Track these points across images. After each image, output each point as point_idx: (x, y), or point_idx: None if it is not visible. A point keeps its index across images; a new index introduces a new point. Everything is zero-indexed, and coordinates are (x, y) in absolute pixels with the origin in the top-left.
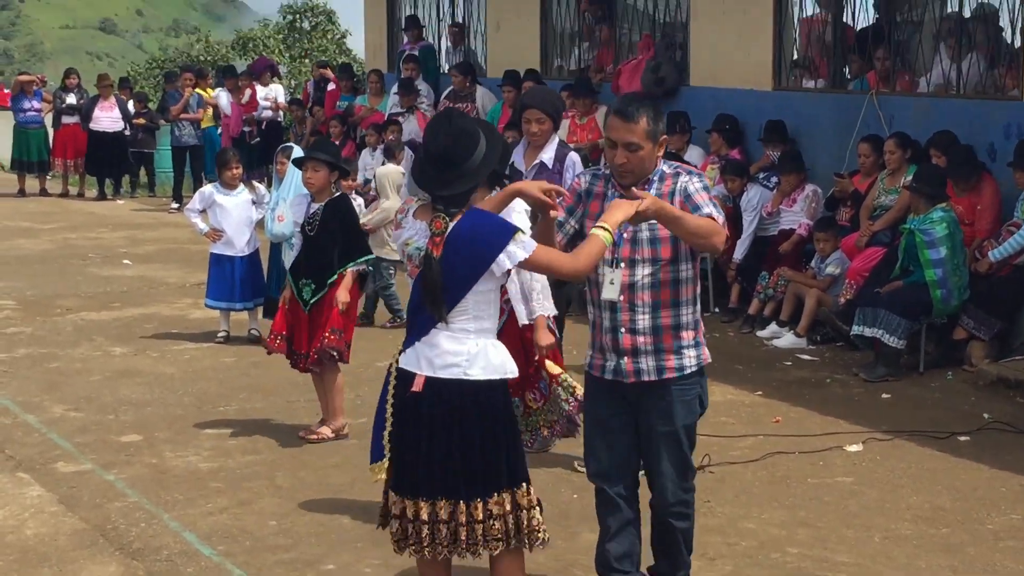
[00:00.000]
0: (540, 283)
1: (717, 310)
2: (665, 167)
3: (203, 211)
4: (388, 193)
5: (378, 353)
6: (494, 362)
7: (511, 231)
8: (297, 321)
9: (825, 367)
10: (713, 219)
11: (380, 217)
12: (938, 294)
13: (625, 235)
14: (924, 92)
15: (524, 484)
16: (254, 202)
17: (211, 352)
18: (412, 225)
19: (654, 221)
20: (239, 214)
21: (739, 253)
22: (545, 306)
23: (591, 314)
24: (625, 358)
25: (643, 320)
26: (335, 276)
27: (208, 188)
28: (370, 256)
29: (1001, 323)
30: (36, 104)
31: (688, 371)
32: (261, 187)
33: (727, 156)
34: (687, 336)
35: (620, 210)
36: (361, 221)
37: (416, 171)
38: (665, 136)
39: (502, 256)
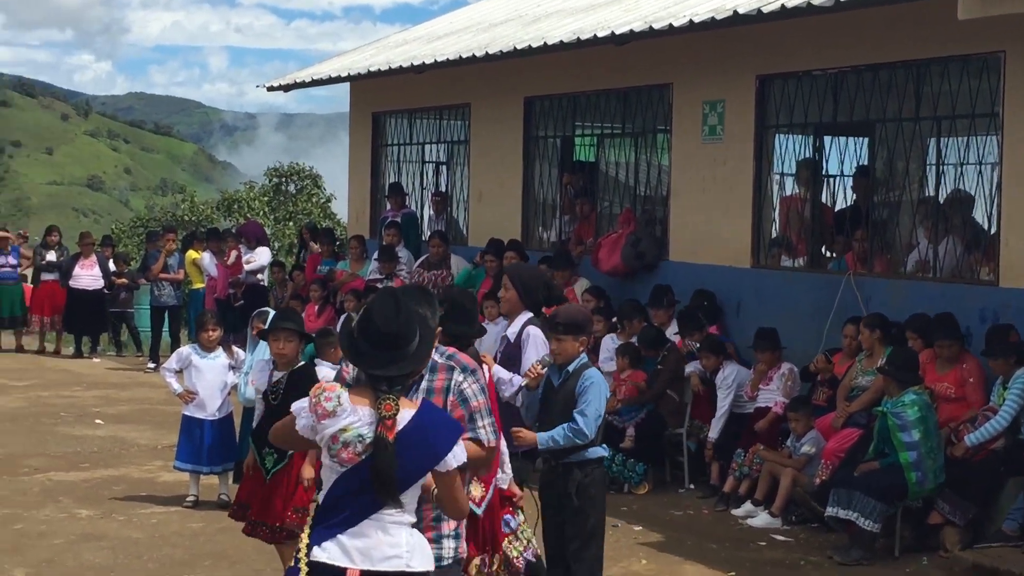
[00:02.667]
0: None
1: (692, 487)
2: (437, 356)
3: (179, 371)
4: None
5: None
6: (428, 553)
7: (459, 431)
8: (258, 488)
9: (799, 548)
10: (479, 444)
11: None
12: (913, 477)
13: None
14: (901, 274)
15: None
16: (232, 367)
17: (179, 516)
18: (352, 411)
19: None
20: (214, 377)
21: (714, 431)
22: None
23: None
24: None
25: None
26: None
27: (186, 349)
28: None
29: (976, 508)
30: (11, 260)
31: (445, 562)
32: (241, 352)
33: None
34: (447, 527)
35: None
36: None
37: (352, 350)
38: (440, 329)
39: (450, 456)
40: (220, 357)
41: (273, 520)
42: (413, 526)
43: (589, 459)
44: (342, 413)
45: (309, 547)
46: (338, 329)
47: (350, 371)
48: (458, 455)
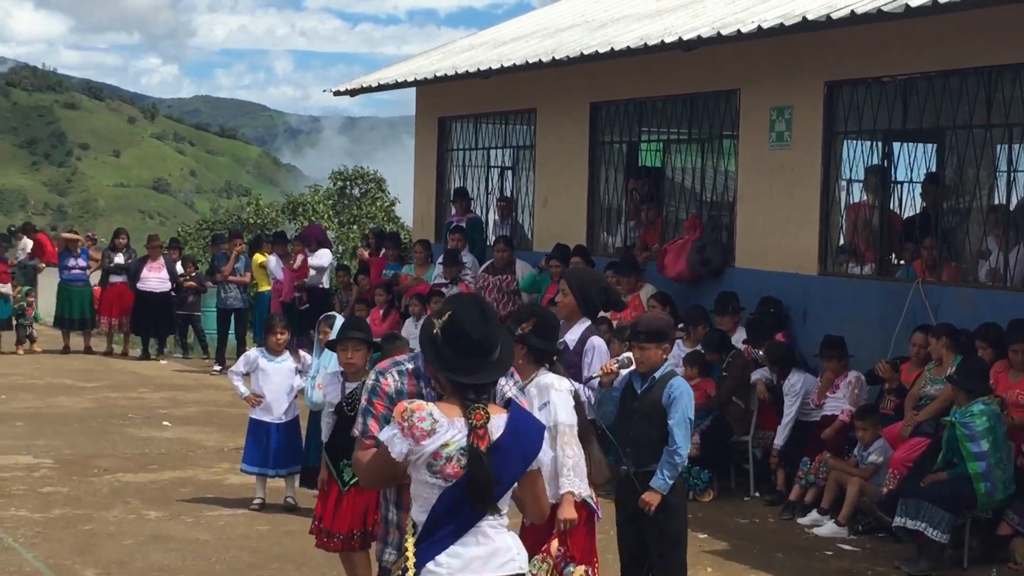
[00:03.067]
0: (572, 459)
1: (757, 494)
2: None
3: (246, 374)
4: None
5: None
6: (525, 554)
7: (543, 428)
8: (333, 500)
9: (866, 559)
10: None
11: None
12: (982, 487)
13: None
14: (970, 282)
15: None
16: (298, 371)
17: (246, 519)
18: (450, 424)
19: None
20: (281, 381)
21: (780, 439)
22: (575, 483)
23: (392, 514)
24: None
25: None
26: None
27: (254, 352)
28: None
29: None
30: (81, 262)
31: None
32: (308, 357)
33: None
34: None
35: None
36: None
37: (436, 358)
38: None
39: (541, 453)
40: (287, 361)
41: (359, 527)
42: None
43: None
44: (440, 429)
45: (418, 565)
46: (416, 335)
47: (390, 384)
48: (547, 451)
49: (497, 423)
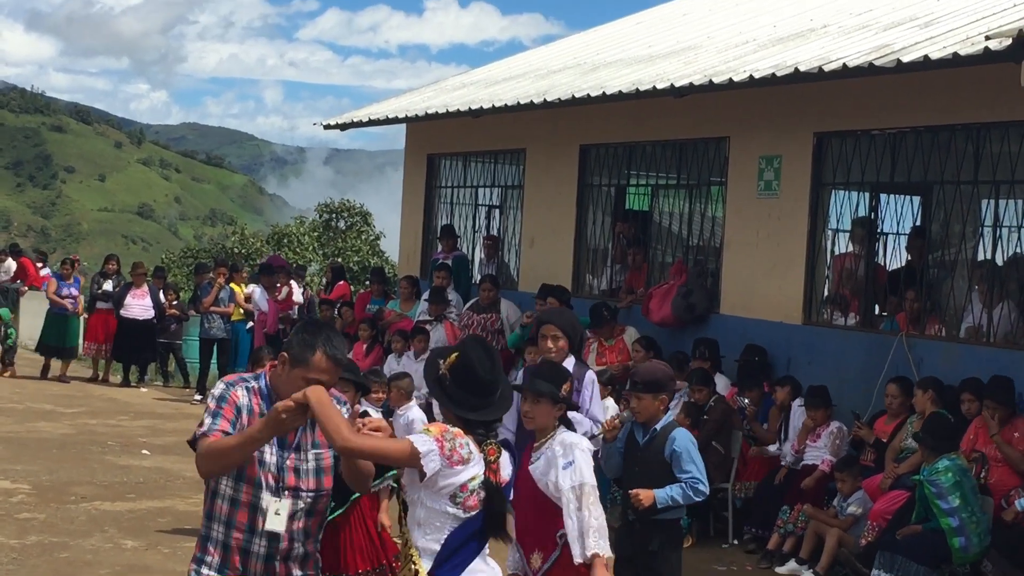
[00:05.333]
0: (598, 521)
1: (736, 542)
2: None
3: None
4: None
5: None
6: None
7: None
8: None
9: None
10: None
11: None
12: (956, 542)
13: (289, 463)
14: (954, 337)
15: None
16: None
17: None
18: (480, 458)
19: (320, 451)
20: None
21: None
22: (602, 545)
23: (219, 532)
24: None
25: (298, 549)
26: (357, 494)
27: None
28: (394, 471)
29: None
30: (73, 291)
31: None
32: None
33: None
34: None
35: None
36: None
37: (447, 397)
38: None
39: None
40: None
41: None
42: None
43: (671, 519)
44: (473, 460)
45: None
46: (398, 371)
47: (239, 396)
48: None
49: (505, 461)
